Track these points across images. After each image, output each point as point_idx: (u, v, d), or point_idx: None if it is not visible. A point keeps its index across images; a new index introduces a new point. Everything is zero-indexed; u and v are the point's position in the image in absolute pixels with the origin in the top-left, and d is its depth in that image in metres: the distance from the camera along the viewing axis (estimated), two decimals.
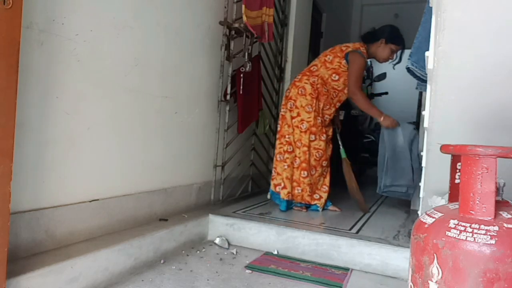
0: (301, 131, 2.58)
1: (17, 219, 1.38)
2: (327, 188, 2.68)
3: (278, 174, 2.66)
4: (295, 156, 2.60)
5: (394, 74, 6.81)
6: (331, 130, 2.75)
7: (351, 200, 3.13)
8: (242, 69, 2.62)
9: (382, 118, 2.69)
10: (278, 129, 2.70)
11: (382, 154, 2.72)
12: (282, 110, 2.70)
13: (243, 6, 2.51)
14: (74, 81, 1.59)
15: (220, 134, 2.65)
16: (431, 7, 1.73)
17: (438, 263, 0.91)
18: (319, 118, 2.60)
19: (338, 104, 2.73)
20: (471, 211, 0.93)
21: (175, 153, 2.30)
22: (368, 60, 2.80)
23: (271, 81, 3.43)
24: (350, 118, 4.09)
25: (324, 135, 2.63)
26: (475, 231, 0.89)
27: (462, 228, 0.90)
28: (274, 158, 2.70)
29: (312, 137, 2.59)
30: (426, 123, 1.69)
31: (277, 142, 2.68)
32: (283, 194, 2.58)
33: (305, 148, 2.57)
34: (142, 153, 2.02)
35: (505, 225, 0.88)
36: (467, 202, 0.94)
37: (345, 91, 2.67)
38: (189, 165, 2.45)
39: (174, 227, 2.02)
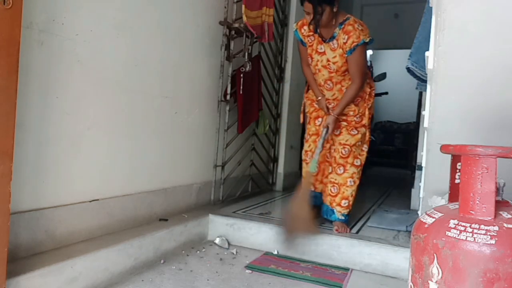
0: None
1: (17, 219, 1.37)
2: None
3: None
4: None
5: (394, 74, 6.82)
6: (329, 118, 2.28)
7: None
8: (242, 69, 2.62)
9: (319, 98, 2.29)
10: None
11: None
12: None
13: (243, 6, 2.51)
14: (74, 81, 1.59)
15: (220, 134, 2.65)
16: (431, 7, 1.73)
17: (438, 263, 0.91)
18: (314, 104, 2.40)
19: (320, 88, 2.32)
20: (471, 211, 0.93)
21: (175, 153, 2.30)
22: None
23: (271, 81, 3.43)
24: None
25: (320, 119, 2.38)
26: (475, 231, 0.89)
27: (462, 228, 0.90)
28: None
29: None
30: (426, 123, 1.68)
31: None
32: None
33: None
34: (142, 153, 2.02)
35: (505, 225, 0.88)
36: (467, 202, 0.94)
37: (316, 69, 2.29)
38: (189, 165, 2.45)
39: (174, 227, 2.02)
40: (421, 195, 1.75)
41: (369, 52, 8.31)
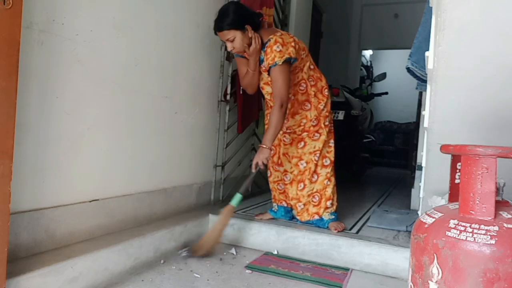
0: None
1: (17, 219, 1.37)
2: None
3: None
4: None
5: (394, 74, 6.85)
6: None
7: (350, 201, 3.13)
8: None
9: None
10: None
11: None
12: None
13: None
14: (74, 81, 1.59)
15: (220, 134, 2.65)
16: (431, 7, 1.73)
17: (438, 263, 0.91)
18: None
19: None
20: (471, 211, 0.93)
21: (175, 153, 2.30)
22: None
23: None
24: (350, 118, 4.08)
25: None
26: (475, 231, 0.89)
27: (462, 228, 0.90)
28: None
29: None
30: (426, 123, 1.69)
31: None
32: None
33: None
34: (142, 153, 2.02)
35: (505, 225, 0.88)
36: (467, 202, 0.94)
37: None
38: (189, 165, 2.45)
39: (174, 227, 2.02)
40: (421, 195, 1.75)
41: (369, 52, 8.32)
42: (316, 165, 2.22)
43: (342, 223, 2.21)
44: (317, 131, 2.22)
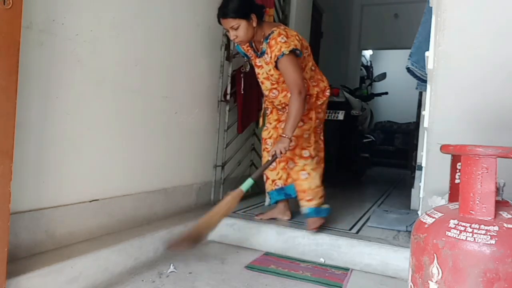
0: None
1: (17, 219, 1.37)
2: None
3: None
4: None
5: (394, 74, 6.84)
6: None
7: (350, 200, 3.13)
8: (242, 69, 2.62)
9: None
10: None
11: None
12: None
13: None
14: (74, 81, 1.59)
15: (220, 134, 2.65)
16: (431, 7, 1.73)
17: (438, 263, 0.91)
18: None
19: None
20: (471, 211, 0.93)
21: (175, 153, 2.30)
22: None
23: None
24: (350, 118, 4.08)
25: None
26: (475, 231, 0.89)
27: (462, 228, 0.90)
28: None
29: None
30: (426, 123, 1.69)
31: None
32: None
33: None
34: (142, 153, 2.02)
35: (505, 225, 0.88)
36: (467, 202, 0.94)
37: None
38: (189, 165, 2.45)
39: (174, 227, 2.02)
40: (421, 195, 1.75)
41: (369, 52, 8.32)
42: (291, 151, 2.13)
43: (320, 221, 2.11)
44: (302, 120, 2.12)
